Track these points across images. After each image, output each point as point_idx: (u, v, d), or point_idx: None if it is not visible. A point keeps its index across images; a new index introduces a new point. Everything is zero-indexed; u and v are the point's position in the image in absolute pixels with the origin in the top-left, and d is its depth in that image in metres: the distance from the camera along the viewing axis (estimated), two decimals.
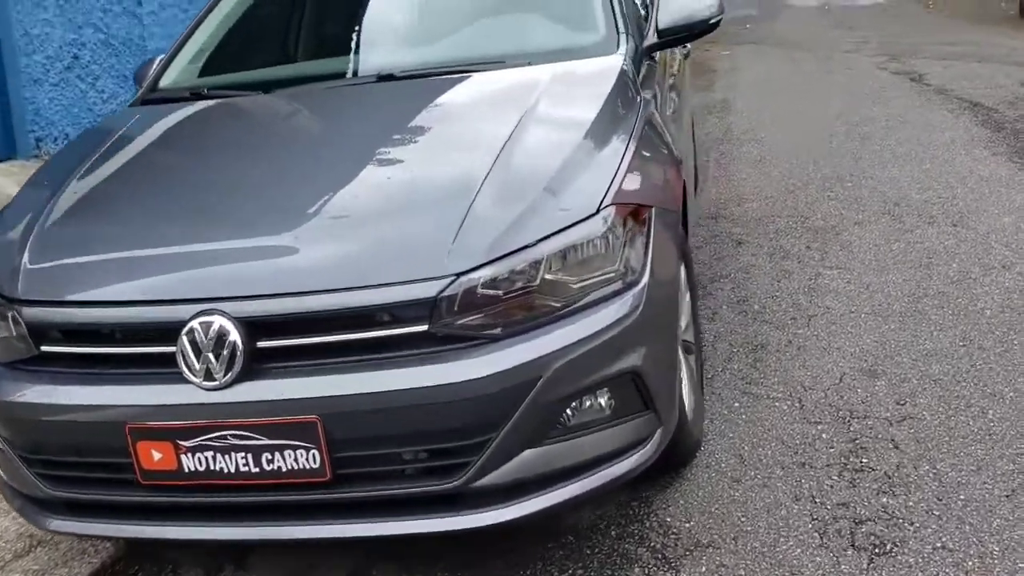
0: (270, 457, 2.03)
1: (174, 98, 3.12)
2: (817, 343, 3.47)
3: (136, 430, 2.05)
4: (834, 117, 7.32)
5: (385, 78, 2.89)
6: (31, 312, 2.17)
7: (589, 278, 2.13)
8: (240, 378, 2.01)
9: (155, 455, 2.07)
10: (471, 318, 2.02)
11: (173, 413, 2.03)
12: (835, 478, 2.64)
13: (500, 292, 2.04)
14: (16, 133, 5.97)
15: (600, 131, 2.45)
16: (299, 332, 2.03)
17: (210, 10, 3.47)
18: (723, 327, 3.68)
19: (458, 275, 2.01)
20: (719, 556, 2.36)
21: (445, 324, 2.01)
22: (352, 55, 3.17)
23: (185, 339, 2.02)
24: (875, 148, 6.25)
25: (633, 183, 2.31)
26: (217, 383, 2.00)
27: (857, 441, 2.81)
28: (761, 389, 3.17)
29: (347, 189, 2.32)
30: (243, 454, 2.03)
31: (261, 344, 2.03)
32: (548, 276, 2.08)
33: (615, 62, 2.79)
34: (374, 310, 2.01)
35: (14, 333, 2.20)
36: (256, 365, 2.03)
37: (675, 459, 2.65)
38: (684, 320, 2.79)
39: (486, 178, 2.20)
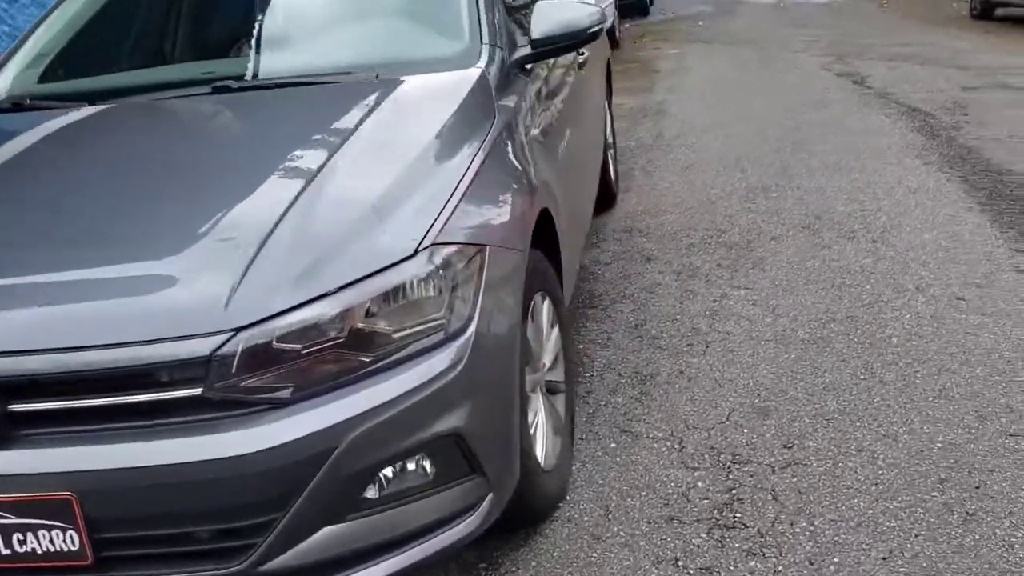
0: (22, 538, 1.75)
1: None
2: (710, 374, 3.25)
3: None
4: (771, 122, 7.14)
5: (220, 90, 2.61)
6: None
7: (409, 328, 1.88)
8: None
9: None
10: (254, 380, 1.75)
11: None
12: (704, 536, 2.41)
13: (298, 347, 1.77)
14: None
15: (435, 157, 2.19)
16: (53, 394, 1.76)
17: (53, 9, 3.16)
18: (615, 354, 3.45)
19: (237, 330, 1.74)
20: None
21: (223, 387, 1.74)
22: (193, 61, 2.90)
23: None
24: (806, 155, 6.07)
25: (465, 219, 2.05)
26: None
27: (734, 491, 2.58)
28: (642, 427, 2.94)
29: (126, 224, 2.04)
30: None
31: (13, 407, 1.76)
32: (361, 326, 1.82)
33: (470, 76, 2.53)
34: (140, 371, 1.74)
35: None
36: (9, 432, 1.76)
37: (529, 515, 2.41)
38: (549, 358, 2.56)
39: (285, 214, 1.93)
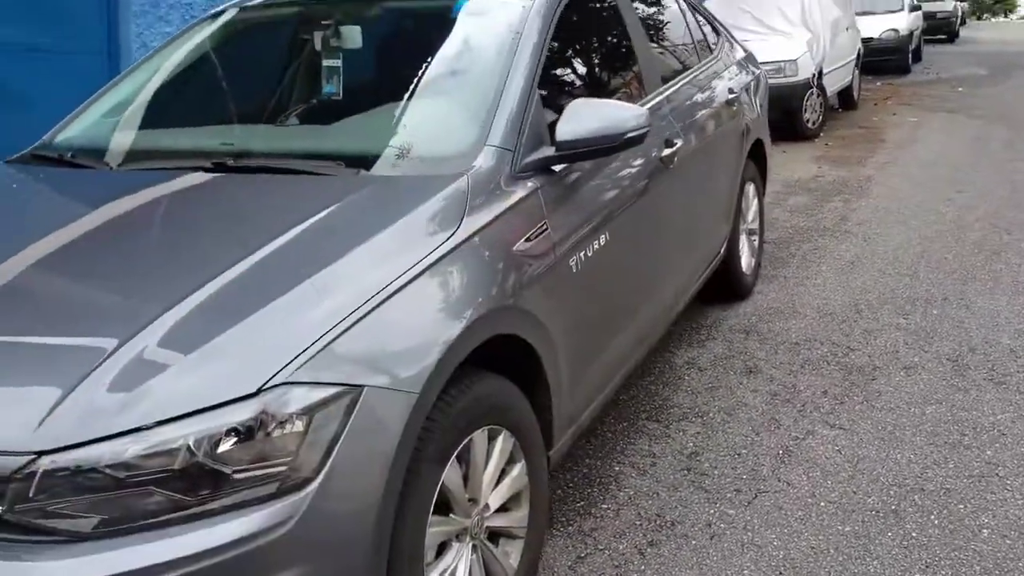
0: None
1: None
2: (739, 535, 2.81)
3: None
4: (980, 219, 6.25)
5: (218, 167, 2.56)
6: None
7: (239, 472, 1.71)
8: None
9: None
10: (57, 506, 1.65)
11: None
12: None
13: (105, 478, 1.65)
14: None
15: (351, 271, 2.01)
16: None
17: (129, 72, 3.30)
18: (647, 487, 3.08)
19: (40, 453, 1.65)
20: None
21: (23, 511, 1.65)
22: (218, 132, 2.88)
23: None
24: (1001, 267, 5.24)
25: (346, 352, 1.85)
26: None
27: None
28: None
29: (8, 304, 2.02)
30: None
31: None
32: (180, 464, 1.68)
33: (446, 181, 2.32)
34: None
35: None
36: None
37: None
38: (497, 500, 2.31)
39: (146, 327, 1.82)
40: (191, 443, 1.68)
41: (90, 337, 1.87)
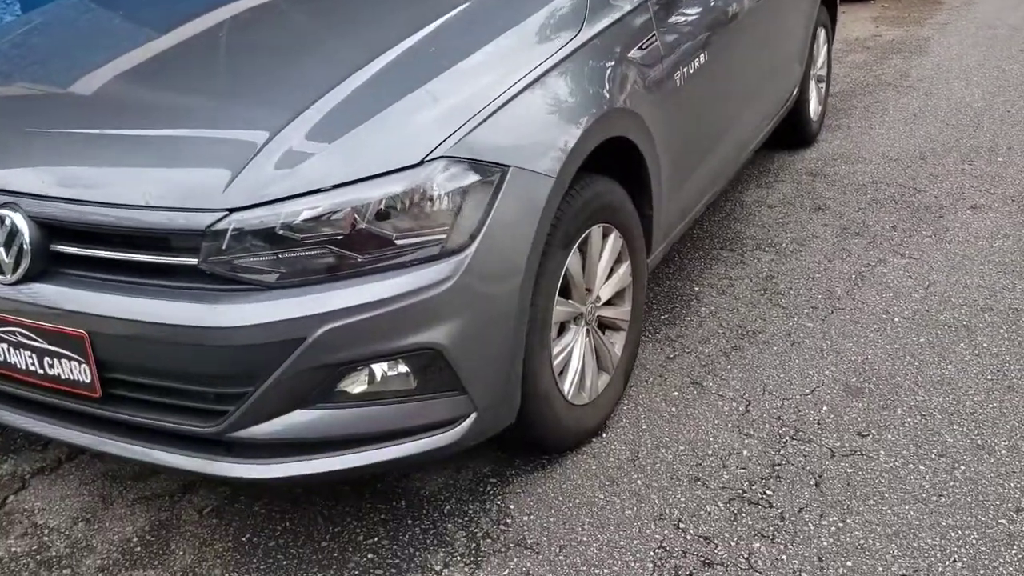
0: (51, 362, 2.00)
1: None
2: (818, 342, 3.00)
3: None
4: None
5: None
6: None
7: (405, 236, 1.89)
8: (31, 277, 1.97)
9: None
10: (244, 260, 1.85)
11: None
12: (720, 506, 2.28)
13: (288, 236, 1.85)
14: None
15: (489, 61, 2.15)
16: (85, 242, 1.96)
17: None
18: (727, 304, 3.26)
19: (231, 211, 1.84)
20: (530, 562, 2.13)
21: (215, 262, 1.86)
22: None
23: None
24: None
25: (493, 134, 2.00)
26: (5, 279, 1.98)
27: (777, 468, 2.41)
28: (714, 383, 2.79)
29: (175, 95, 2.18)
30: (30, 353, 2.01)
31: (55, 247, 1.98)
32: (353, 226, 1.86)
33: None
34: (151, 233, 1.89)
35: None
36: (51, 268, 1.99)
37: (549, 443, 2.40)
38: (607, 293, 2.49)
39: (312, 104, 1.98)
40: (363, 207, 1.85)
41: (265, 109, 2.03)
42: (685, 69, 2.77)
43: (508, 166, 1.99)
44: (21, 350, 2.02)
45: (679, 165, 2.82)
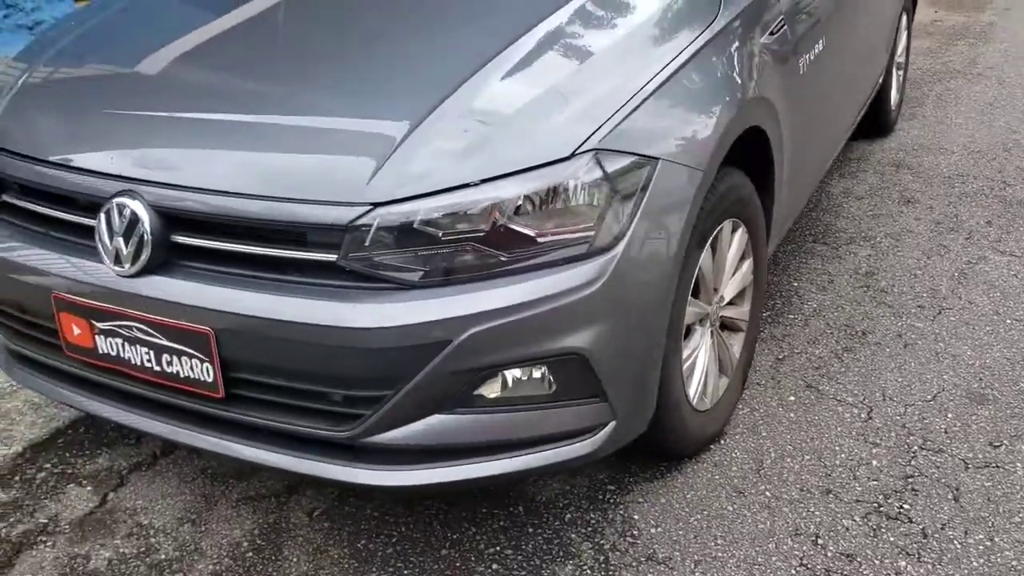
0: (169, 359, 1.89)
1: None
2: (932, 344, 2.87)
3: (59, 300, 1.97)
4: None
5: None
6: None
7: (552, 234, 1.77)
8: (149, 270, 1.86)
9: (75, 329, 1.99)
10: (385, 257, 1.73)
11: (87, 291, 1.92)
12: (857, 520, 2.17)
13: (433, 232, 1.72)
14: None
15: (628, 51, 2.02)
16: (210, 233, 1.84)
17: None
18: (830, 301, 3.13)
19: (375, 205, 1.72)
20: None
21: (356, 259, 1.74)
22: None
23: (103, 217, 1.88)
24: None
25: (640, 126, 1.87)
26: (124, 270, 1.87)
27: (911, 480, 2.29)
28: (831, 386, 2.66)
29: (308, 82, 2.05)
30: (146, 349, 1.90)
31: (176, 238, 1.87)
32: (500, 223, 1.74)
33: None
34: (287, 227, 1.77)
35: None
36: (172, 259, 1.88)
37: (671, 449, 2.28)
38: (730, 292, 2.36)
39: (450, 95, 1.85)
40: (511, 202, 1.73)
41: (401, 99, 1.91)
42: (808, 55, 2.63)
43: (657, 159, 1.87)
44: (137, 345, 1.91)
45: (797, 155, 2.68)
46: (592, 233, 1.79)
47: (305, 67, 2.12)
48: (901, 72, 4.84)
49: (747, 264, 2.42)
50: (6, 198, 2.14)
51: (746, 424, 2.50)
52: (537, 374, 1.83)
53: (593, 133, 1.80)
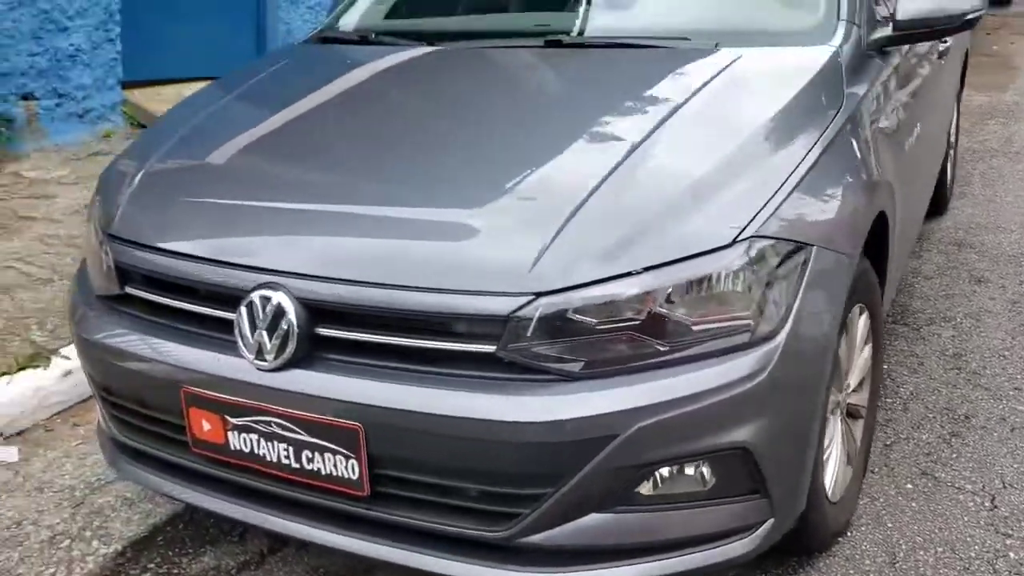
0: (310, 456, 1.82)
1: (347, 39, 2.95)
2: None
3: (190, 395, 1.91)
4: None
5: (553, 44, 2.55)
6: (118, 249, 2.08)
7: (712, 322, 1.73)
8: (292, 363, 1.80)
9: (205, 425, 1.92)
10: (546, 348, 1.68)
11: (222, 386, 1.87)
12: None
13: (594, 322, 1.68)
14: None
15: (768, 140, 2.00)
16: (359, 326, 1.79)
17: None
18: (924, 384, 3.08)
19: (538, 294, 1.68)
20: None
21: (516, 350, 1.69)
22: (528, 12, 2.85)
23: (244, 310, 1.84)
24: None
25: (793, 213, 1.85)
26: (267, 364, 1.81)
27: None
28: (947, 473, 2.59)
29: (446, 168, 2.03)
30: (285, 445, 1.84)
31: (321, 331, 1.82)
32: (661, 311, 1.70)
33: (820, 54, 2.29)
34: (439, 318, 1.73)
35: (105, 268, 2.13)
36: (315, 352, 1.82)
37: (806, 544, 2.20)
38: (855, 378, 2.30)
39: (602, 183, 1.82)
40: (672, 290, 1.69)
41: (553, 184, 1.89)
42: (910, 138, 2.63)
43: (812, 245, 1.84)
44: (275, 441, 1.84)
45: (901, 236, 2.66)
46: (752, 322, 1.74)
47: (450, 157, 2.11)
48: (952, 151, 4.88)
49: (868, 348, 2.38)
50: (129, 290, 2.09)
51: (869, 514, 2.42)
52: (692, 470, 1.77)
53: (751, 221, 1.78)
